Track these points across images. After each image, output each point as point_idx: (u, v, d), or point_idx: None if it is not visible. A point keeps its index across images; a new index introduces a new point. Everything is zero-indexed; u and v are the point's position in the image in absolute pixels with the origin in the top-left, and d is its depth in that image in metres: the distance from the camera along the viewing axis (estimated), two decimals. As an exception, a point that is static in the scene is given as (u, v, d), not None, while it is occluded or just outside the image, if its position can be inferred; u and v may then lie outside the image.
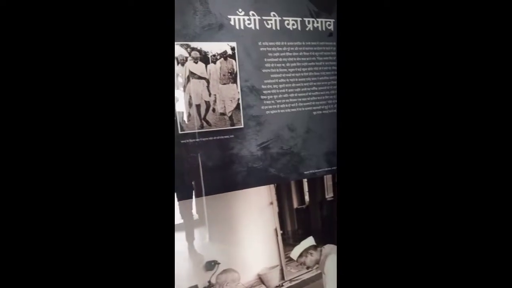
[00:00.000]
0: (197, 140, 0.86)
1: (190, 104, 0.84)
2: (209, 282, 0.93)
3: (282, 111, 0.93)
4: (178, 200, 0.86)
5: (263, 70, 0.90)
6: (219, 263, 0.93)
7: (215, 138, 0.87)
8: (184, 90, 0.83)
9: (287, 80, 0.92)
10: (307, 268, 1.03)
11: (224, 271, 0.94)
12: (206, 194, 0.89)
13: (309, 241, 1.02)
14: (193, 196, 0.88)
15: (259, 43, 0.88)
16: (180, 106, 0.83)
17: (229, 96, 0.87)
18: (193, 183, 0.87)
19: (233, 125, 0.89)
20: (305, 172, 0.99)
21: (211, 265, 0.92)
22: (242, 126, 0.90)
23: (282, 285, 1.01)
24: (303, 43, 0.91)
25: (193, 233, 0.90)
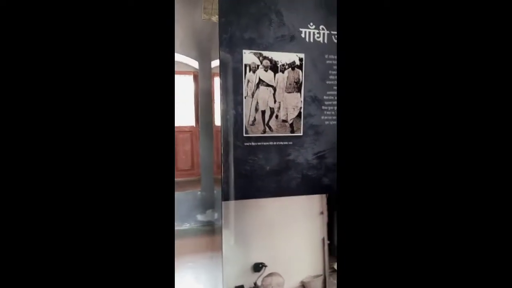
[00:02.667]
0: (259, 144, 0.89)
1: (256, 110, 0.88)
2: (255, 283, 0.94)
3: (340, 123, 0.95)
4: (225, 200, 0.89)
5: (327, 82, 0.92)
6: (266, 266, 0.95)
7: (275, 143, 0.91)
8: (253, 96, 0.87)
9: (349, 93, 0.94)
10: (350, 281, 1.03)
11: (270, 274, 0.95)
12: (260, 197, 0.92)
13: (355, 254, 1.02)
14: (239, 198, 0.91)
15: (326, 56, 0.91)
16: (247, 110, 0.87)
17: (292, 105, 0.90)
18: (250, 184, 0.91)
19: (293, 132, 0.92)
20: (358, 185, 0.99)
21: (258, 267, 0.94)
22: (301, 134, 0.92)
23: (324, 296, 1.01)
24: (368, 59, 0.93)
25: (240, 234, 0.93)
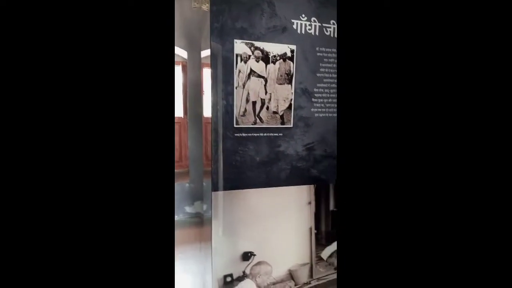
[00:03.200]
0: (249, 135, 0.89)
1: (247, 100, 0.87)
2: (244, 272, 0.96)
3: (329, 115, 0.97)
4: (215, 190, 0.90)
5: (317, 74, 0.93)
6: (255, 255, 0.97)
7: (265, 134, 0.91)
8: (244, 87, 0.87)
9: (338, 86, 0.96)
10: (335, 268, 1.06)
11: (259, 263, 0.97)
12: (250, 187, 0.93)
13: (340, 243, 1.05)
14: (229, 188, 0.91)
15: (317, 48, 0.92)
16: (238, 101, 0.87)
17: (283, 96, 0.91)
18: (240, 175, 0.91)
19: (283, 124, 0.92)
20: (345, 176, 1.02)
21: (247, 256, 0.96)
22: (292, 126, 0.93)
23: (310, 283, 1.04)
24: (358, 52, 0.95)
25: (229, 224, 0.94)
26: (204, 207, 2.35)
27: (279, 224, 0.98)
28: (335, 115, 0.97)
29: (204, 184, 2.33)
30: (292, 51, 0.89)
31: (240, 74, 0.85)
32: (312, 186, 1.00)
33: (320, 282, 1.05)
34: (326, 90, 0.95)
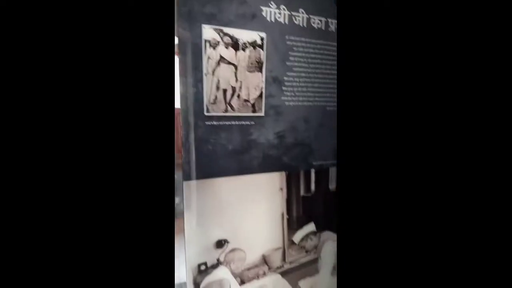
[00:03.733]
0: (220, 123, 0.89)
1: (217, 88, 0.86)
2: (218, 259, 0.97)
3: (299, 103, 0.99)
4: (186, 180, 0.89)
5: (287, 63, 0.94)
6: (228, 242, 0.98)
7: (237, 123, 0.91)
8: (213, 74, 0.85)
9: (308, 75, 0.98)
10: (306, 251, 1.11)
11: (232, 250, 0.99)
12: (222, 176, 0.93)
13: (310, 226, 1.10)
14: (201, 177, 0.91)
15: (286, 37, 0.92)
16: (208, 88, 0.85)
17: (254, 84, 0.91)
18: (212, 163, 0.91)
19: (255, 112, 0.93)
20: (314, 163, 1.06)
21: (221, 244, 0.97)
22: (263, 114, 0.94)
23: (283, 266, 1.08)
24: (326, 42, 0.97)
25: (202, 214, 0.94)
26: (176, 199, 2.30)
27: (252, 210, 1.00)
28: (305, 103, 1.00)
29: (175, 176, 2.28)
30: (262, 39, 0.89)
31: (210, 60, 0.84)
32: (283, 173, 1.02)
33: (292, 265, 1.10)
34: (296, 79, 0.96)
